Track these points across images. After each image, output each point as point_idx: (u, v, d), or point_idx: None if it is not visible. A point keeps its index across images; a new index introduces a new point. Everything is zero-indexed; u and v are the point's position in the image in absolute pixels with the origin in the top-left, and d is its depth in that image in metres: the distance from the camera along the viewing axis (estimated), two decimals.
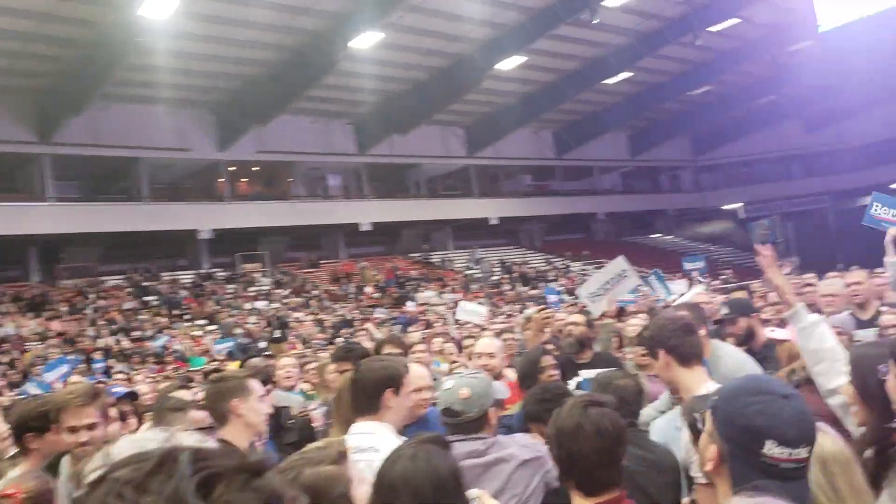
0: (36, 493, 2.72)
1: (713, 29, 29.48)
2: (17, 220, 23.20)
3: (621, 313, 8.11)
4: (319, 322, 23.88)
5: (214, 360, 14.77)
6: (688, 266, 14.96)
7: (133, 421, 4.01)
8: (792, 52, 33.09)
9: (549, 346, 5.95)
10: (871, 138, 39.35)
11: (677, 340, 3.35)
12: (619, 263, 8.03)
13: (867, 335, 5.72)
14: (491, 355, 5.15)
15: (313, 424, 4.86)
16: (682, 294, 14.08)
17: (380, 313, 23.42)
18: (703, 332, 3.81)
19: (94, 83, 23.00)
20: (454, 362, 6.64)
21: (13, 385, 14.59)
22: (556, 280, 31.35)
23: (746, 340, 5.26)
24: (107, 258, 28.04)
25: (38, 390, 9.65)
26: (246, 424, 3.34)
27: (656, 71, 33.86)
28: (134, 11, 19.56)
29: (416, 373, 3.82)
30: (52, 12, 20.07)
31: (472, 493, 2.33)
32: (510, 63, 27.99)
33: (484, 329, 10.59)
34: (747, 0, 28.77)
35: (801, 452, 1.73)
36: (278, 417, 4.83)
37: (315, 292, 27.91)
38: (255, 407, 3.37)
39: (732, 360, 3.99)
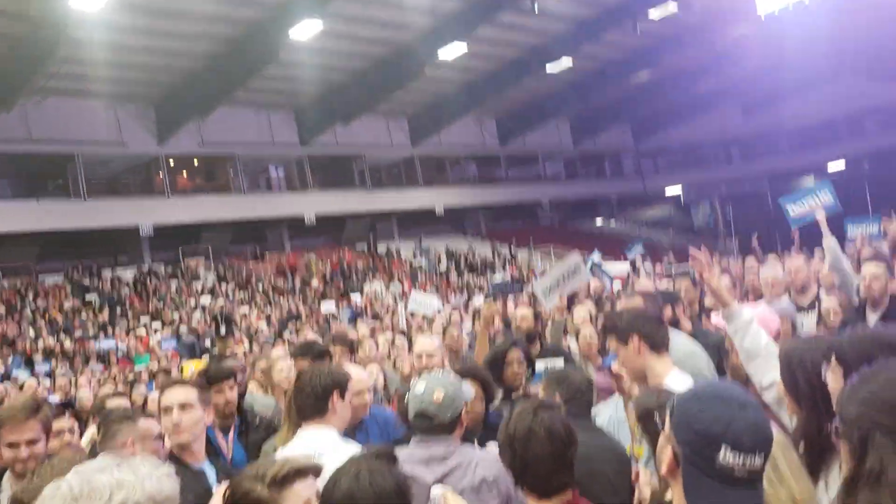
0: None
1: (653, 15, 29.78)
2: None
3: (571, 304, 8.18)
4: (266, 317, 23.63)
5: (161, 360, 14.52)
6: (629, 255, 15.19)
7: (69, 437, 3.88)
8: (731, 38, 33.66)
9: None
10: (807, 121, 40.39)
11: (652, 328, 3.49)
12: (573, 258, 8.13)
13: (808, 320, 5.89)
14: (430, 355, 5.14)
15: None
16: (624, 275, 14.34)
17: (326, 306, 23.22)
18: None
19: (25, 77, 22.33)
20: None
21: None
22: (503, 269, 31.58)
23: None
24: (44, 257, 27.25)
25: None
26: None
27: (597, 58, 34.05)
28: (66, 3, 18.95)
29: (357, 376, 3.93)
30: None
31: (435, 489, 2.33)
32: (452, 51, 27.91)
33: (433, 321, 10.60)
34: None
35: (756, 461, 1.74)
36: (246, 416, 4.81)
37: (260, 286, 27.59)
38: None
39: (683, 346, 4.07)
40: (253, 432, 4.73)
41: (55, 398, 8.08)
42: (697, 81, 38.42)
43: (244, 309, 24.43)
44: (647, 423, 2.67)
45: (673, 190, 43.77)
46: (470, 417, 3.34)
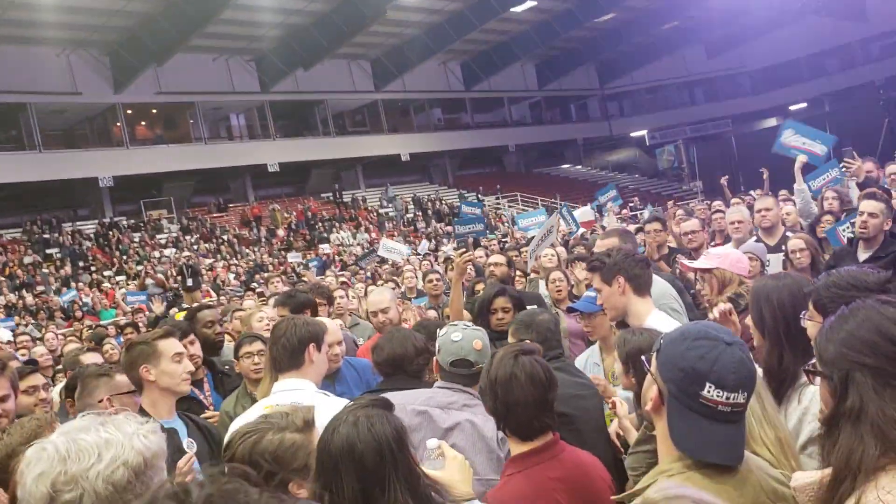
0: None
1: None
2: None
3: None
4: (231, 268, 23.46)
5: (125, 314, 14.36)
6: (601, 198, 15.22)
7: (43, 393, 3.83)
8: None
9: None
10: (770, 61, 40.57)
11: (638, 271, 3.52)
12: (552, 220, 8.25)
13: (775, 259, 5.95)
14: (385, 310, 5.03)
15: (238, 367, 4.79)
16: (591, 219, 14.44)
17: (293, 257, 23.11)
18: None
19: None
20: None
21: None
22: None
23: None
24: (1, 211, 26.68)
25: None
26: (161, 390, 3.26)
27: None
28: None
29: (331, 328, 3.93)
30: None
31: (431, 442, 2.34)
32: None
33: (404, 268, 10.59)
34: None
35: (739, 398, 1.79)
36: (213, 365, 4.79)
37: (225, 237, 27.33)
38: (169, 370, 3.27)
39: (657, 285, 4.10)
40: (227, 381, 4.73)
41: (20, 355, 7.95)
42: (661, 22, 38.27)
43: (209, 261, 24.21)
44: (637, 361, 2.71)
45: (637, 133, 43.86)
46: None
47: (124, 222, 27.69)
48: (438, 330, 3.29)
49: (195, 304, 7.68)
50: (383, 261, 15.45)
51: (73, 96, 26.69)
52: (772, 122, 40.23)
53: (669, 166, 40.20)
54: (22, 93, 25.31)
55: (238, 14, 25.76)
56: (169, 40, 25.84)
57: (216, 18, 25.18)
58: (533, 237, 8.88)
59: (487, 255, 8.60)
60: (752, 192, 12.94)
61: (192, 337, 4.41)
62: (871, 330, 1.66)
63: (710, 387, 1.76)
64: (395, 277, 10.83)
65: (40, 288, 21.14)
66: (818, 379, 1.73)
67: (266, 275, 20.79)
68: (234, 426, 3.18)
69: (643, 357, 1.98)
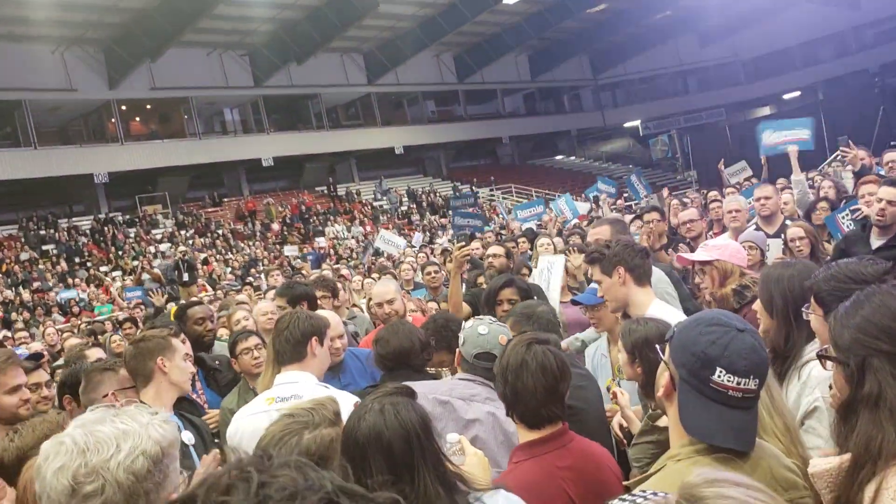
0: None
1: None
2: None
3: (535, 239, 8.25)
4: (227, 262, 23.43)
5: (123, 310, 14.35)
6: (601, 187, 15.24)
7: (46, 391, 3.81)
8: None
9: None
10: (763, 50, 40.54)
11: (639, 261, 3.55)
12: (552, 259, 8.30)
13: (775, 244, 5.95)
14: (391, 301, 4.95)
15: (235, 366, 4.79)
16: (586, 210, 14.45)
17: (289, 251, 23.09)
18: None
19: None
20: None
21: None
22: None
23: None
24: None
25: None
26: (171, 383, 3.28)
27: None
28: None
29: (333, 322, 3.94)
30: None
31: (451, 437, 2.35)
32: None
33: (401, 262, 10.60)
34: None
35: (750, 384, 1.79)
36: (202, 362, 4.79)
37: (220, 232, 27.28)
38: (181, 366, 3.32)
39: (653, 273, 4.12)
40: (219, 376, 4.75)
41: (23, 351, 7.96)
42: (653, 12, 38.19)
43: (205, 255, 24.18)
44: (643, 350, 2.73)
45: (631, 123, 43.85)
46: None
47: (120, 218, 27.65)
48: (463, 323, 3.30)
49: (185, 301, 7.69)
50: (377, 252, 15.44)
51: (67, 93, 26.58)
52: (765, 110, 40.27)
53: (663, 156, 40.17)
54: (17, 90, 25.20)
55: (231, 9, 25.66)
56: (162, 36, 25.74)
57: (209, 13, 25.10)
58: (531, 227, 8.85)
59: (484, 248, 8.61)
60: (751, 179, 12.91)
61: (182, 336, 4.42)
62: (888, 316, 1.68)
63: (720, 371, 1.77)
64: (391, 270, 10.84)
65: (37, 284, 21.10)
66: (830, 364, 1.75)
67: (265, 268, 20.82)
68: (236, 419, 3.22)
69: (657, 346, 1.99)
